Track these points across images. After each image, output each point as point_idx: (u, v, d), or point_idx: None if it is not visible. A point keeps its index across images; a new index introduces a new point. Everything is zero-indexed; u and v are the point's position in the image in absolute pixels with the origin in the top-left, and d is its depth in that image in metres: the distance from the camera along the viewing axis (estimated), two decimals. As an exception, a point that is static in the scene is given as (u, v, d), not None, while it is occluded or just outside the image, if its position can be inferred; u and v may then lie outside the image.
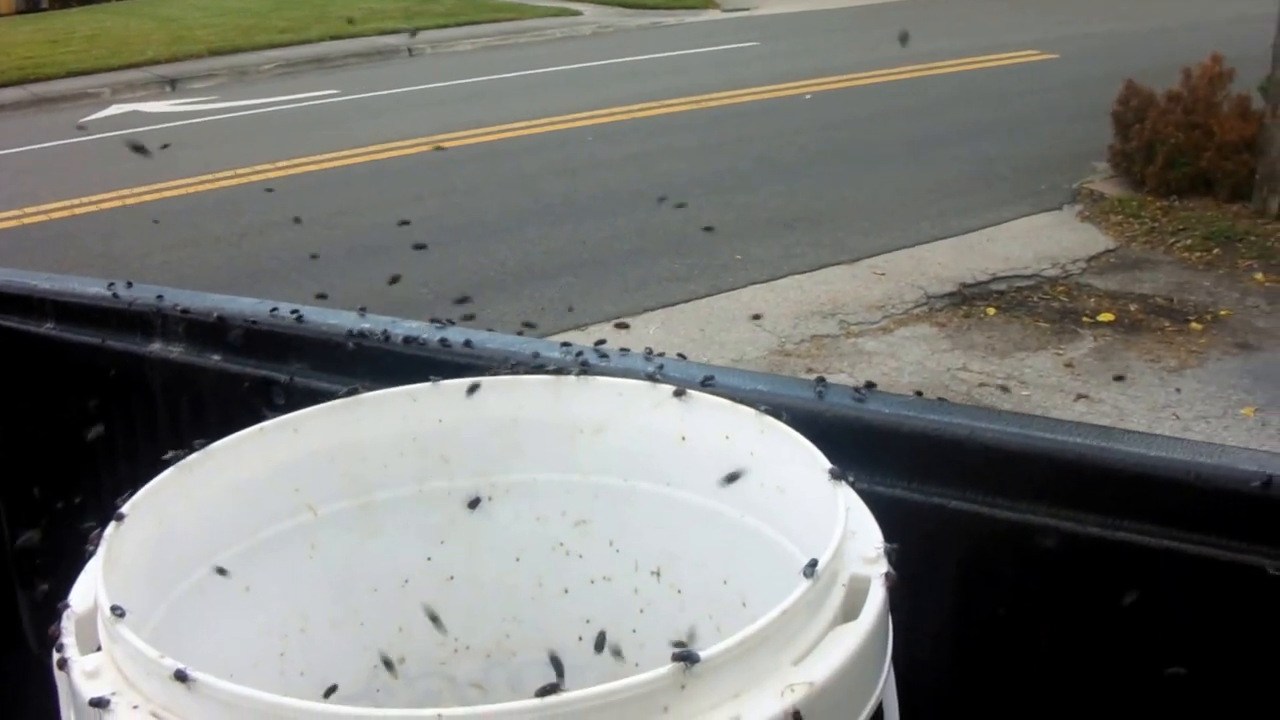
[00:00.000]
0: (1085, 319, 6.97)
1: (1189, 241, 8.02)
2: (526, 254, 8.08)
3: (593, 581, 1.24)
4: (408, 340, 1.50)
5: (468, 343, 1.47)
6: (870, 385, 1.40)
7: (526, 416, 1.23)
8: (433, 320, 1.55)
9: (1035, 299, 7.23)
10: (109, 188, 10.07)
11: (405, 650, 1.24)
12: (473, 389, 1.23)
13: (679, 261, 7.85)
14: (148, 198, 9.91)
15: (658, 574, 1.21)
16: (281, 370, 1.55)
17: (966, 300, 7.21)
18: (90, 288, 1.85)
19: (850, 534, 0.94)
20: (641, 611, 1.21)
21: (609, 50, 16.34)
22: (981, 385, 6.23)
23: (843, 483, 1.00)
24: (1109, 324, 6.90)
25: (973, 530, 1.26)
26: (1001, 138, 10.48)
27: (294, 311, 1.61)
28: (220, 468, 1.13)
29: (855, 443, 1.25)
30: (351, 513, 1.20)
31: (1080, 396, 6.08)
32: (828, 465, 1.01)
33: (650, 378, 1.24)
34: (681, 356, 1.49)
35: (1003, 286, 7.37)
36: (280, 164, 10.54)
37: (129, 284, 1.80)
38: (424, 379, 1.26)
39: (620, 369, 1.33)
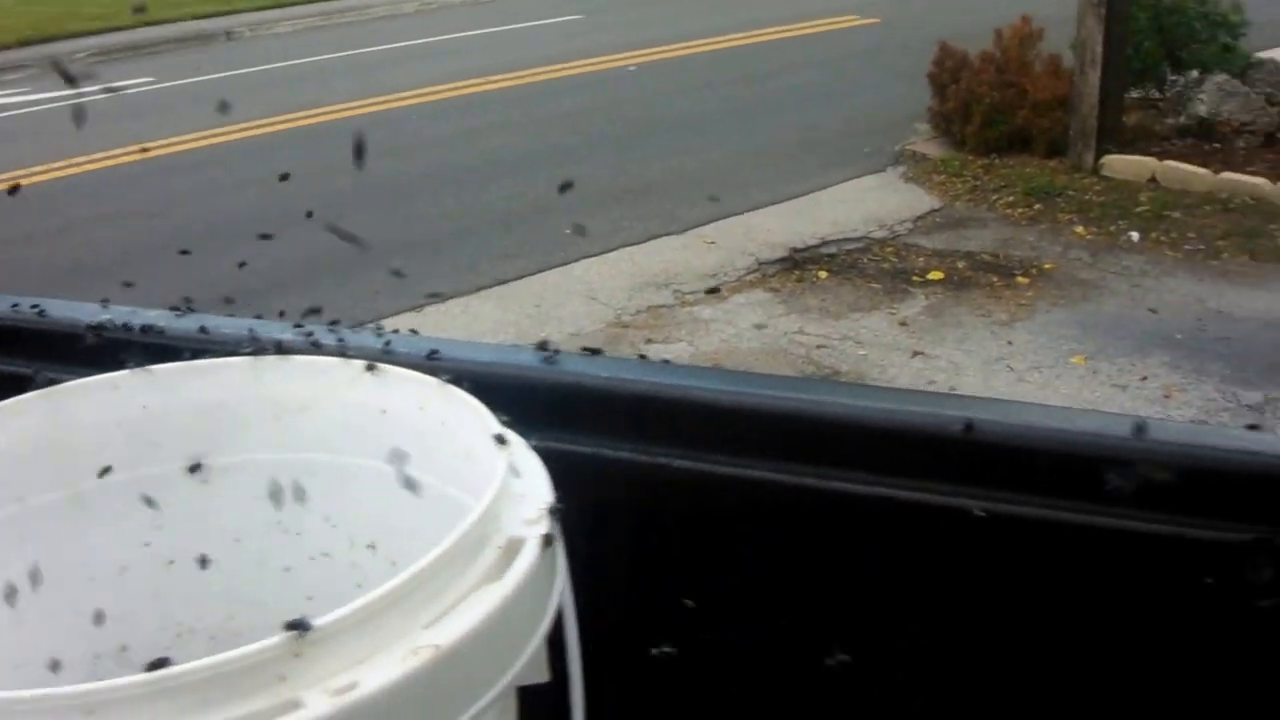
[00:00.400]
0: (915, 278, 7.06)
1: (1011, 198, 8.18)
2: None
3: (313, 558, 1.22)
4: (145, 329, 1.46)
5: (202, 329, 1.44)
6: (642, 357, 1.48)
7: (232, 398, 1.21)
8: (173, 308, 1.51)
9: (865, 261, 7.31)
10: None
11: (129, 639, 1.20)
12: (174, 374, 1.21)
13: (510, 238, 7.76)
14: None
15: (373, 547, 1.20)
16: (26, 366, 1.44)
17: (798, 265, 7.25)
18: None
19: (519, 497, 0.96)
20: (359, 586, 1.18)
21: (433, 27, 16.13)
22: (820, 347, 6.27)
23: (507, 445, 1.01)
24: (939, 282, 7.00)
25: (694, 486, 1.29)
26: (826, 103, 10.58)
27: (34, 306, 1.56)
28: None
29: (582, 407, 1.31)
30: (62, 502, 1.16)
31: (916, 353, 6.16)
32: (496, 429, 1.02)
33: (342, 354, 1.23)
34: (414, 332, 1.48)
35: (833, 250, 7.43)
36: (97, 156, 10.16)
37: None
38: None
39: (345, 348, 1.31)
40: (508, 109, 11.12)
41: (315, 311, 1.54)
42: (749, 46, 13.21)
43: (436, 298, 6.90)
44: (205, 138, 10.68)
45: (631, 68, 12.41)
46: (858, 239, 7.57)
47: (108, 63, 15.80)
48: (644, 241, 7.60)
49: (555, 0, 18.01)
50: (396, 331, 1.46)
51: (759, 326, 6.51)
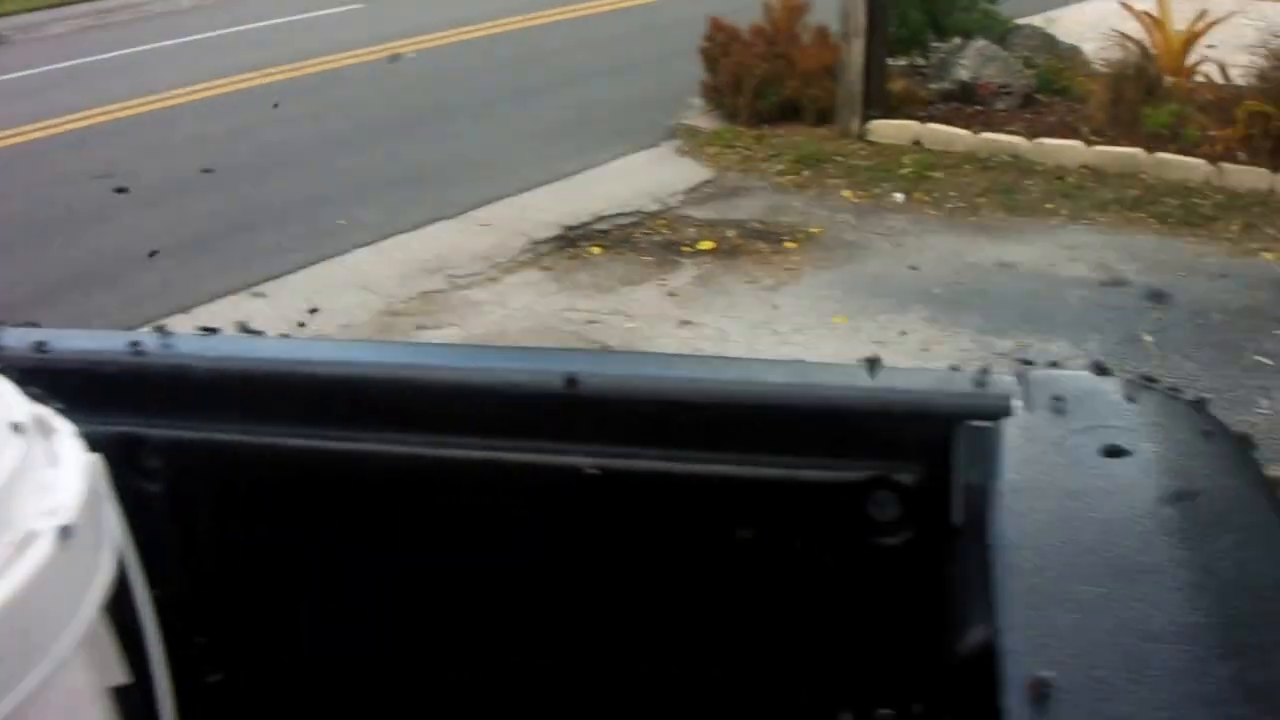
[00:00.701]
0: (686, 249, 7.16)
1: (781, 166, 8.35)
2: (122, 241, 7.69)
3: None
4: None
5: None
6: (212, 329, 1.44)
7: None
8: None
9: (638, 235, 7.39)
10: None
11: None
12: None
13: (282, 233, 7.65)
14: None
15: None
16: None
17: (571, 243, 7.29)
18: None
19: (44, 487, 0.86)
20: None
21: (208, 23, 15.72)
22: (590, 322, 6.32)
23: (27, 433, 0.89)
24: (709, 252, 7.11)
25: (304, 463, 1.28)
26: (602, 81, 10.65)
27: None
28: None
29: (188, 391, 1.29)
30: None
31: (684, 323, 6.25)
32: (16, 417, 0.90)
33: None
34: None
35: (606, 226, 7.49)
36: None
37: None
38: None
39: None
40: (284, 102, 10.93)
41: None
42: (529, 29, 13.23)
43: (212, 298, 6.75)
44: None
45: (411, 54, 12.31)
46: (631, 214, 7.64)
47: None
48: (418, 228, 7.56)
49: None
50: (35, 325, 1.43)
51: (531, 306, 6.54)
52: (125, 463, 1.22)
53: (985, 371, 1.17)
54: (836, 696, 1.23)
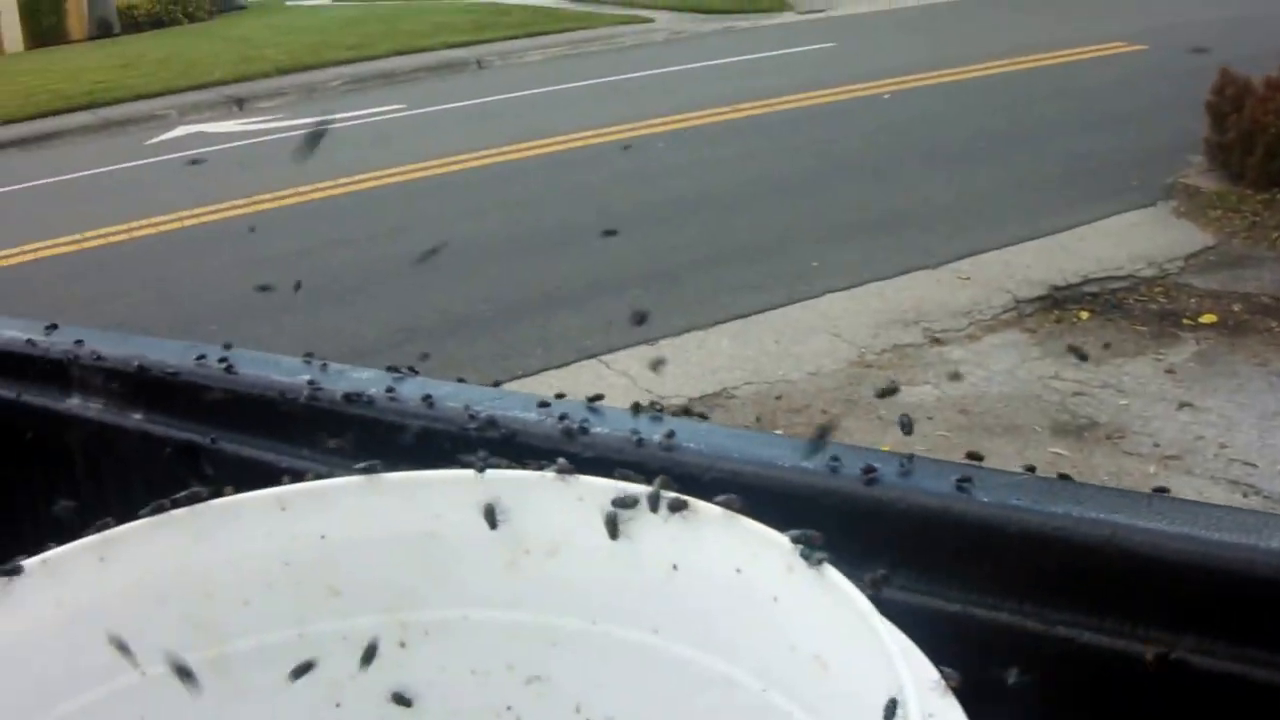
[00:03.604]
0: (1186, 321, 6.57)
1: (1295, 236, 7.59)
2: (592, 266, 7.80)
3: None
4: (350, 397, 1.19)
5: (427, 399, 1.16)
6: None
7: (449, 530, 0.88)
8: (389, 369, 1.25)
9: (1131, 301, 6.84)
10: (170, 209, 9.94)
11: None
12: (368, 488, 0.89)
13: (753, 270, 7.54)
14: (208, 218, 9.77)
15: None
16: (200, 432, 1.28)
17: (1058, 304, 6.83)
18: (6, 331, 1.58)
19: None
20: None
21: (682, 56, 16.06)
22: (1077, 394, 5.87)
23: (879, 637, 0.68)
24: (1211, 326, 6.50)
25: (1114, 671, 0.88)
26: (1089, 133, 10.05)
27: (223, 360, 1.33)
28: None
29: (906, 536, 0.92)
30: (198, 670, 0.85)
31: (1184, 405, 5.70)
32: (870, 619, 0.69)
33: (627, 466, 0.91)
34: (693, 413, 1.18)
35: (1096, 289, 6.98)
36: (342, 181, 10.35)
37: (51, 326, 1.53)
38: (373, 445, 0.98)
39: (609, 444, 1.01)
40: (755, 137, 10.93)
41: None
42: (1008, 74, 12.74)
43: (679, 332, 6.70)
44: (452, 163, 10.80)
45: (885, 95, 12.09)
46: (1123, 277, 7.10)
47: (361, 91, 16.26)
48: (894, 276, 7.28)
49: (808, 28, 17.81)
50: (652, 411, 1.12)
51: (1012, 371, 6.13)
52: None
53: None
54: None
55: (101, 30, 35.07)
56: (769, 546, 0.77)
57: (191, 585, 0.87)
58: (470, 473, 0.88)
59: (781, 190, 9.16)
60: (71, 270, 8.86)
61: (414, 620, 0.88)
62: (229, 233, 9.36)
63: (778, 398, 5.93)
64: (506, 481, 0.88)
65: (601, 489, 0.85)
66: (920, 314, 6.78)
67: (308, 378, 1.26)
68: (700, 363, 6.34)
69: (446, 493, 0.88)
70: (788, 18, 19.50)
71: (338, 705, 0.89)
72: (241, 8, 39.13)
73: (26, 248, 9.38)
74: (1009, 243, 7.65)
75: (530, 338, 6.86)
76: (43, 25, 37.70)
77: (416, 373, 1.25)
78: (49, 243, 9.43)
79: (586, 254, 7.97)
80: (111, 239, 9.49)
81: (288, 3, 42.84)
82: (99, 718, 0.83)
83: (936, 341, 6.48)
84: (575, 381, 6.02)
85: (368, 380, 1.22)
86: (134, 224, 9.74)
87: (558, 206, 9.33)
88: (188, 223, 9.70)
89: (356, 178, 10.45)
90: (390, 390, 1.19)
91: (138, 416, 1.38)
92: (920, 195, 8.78)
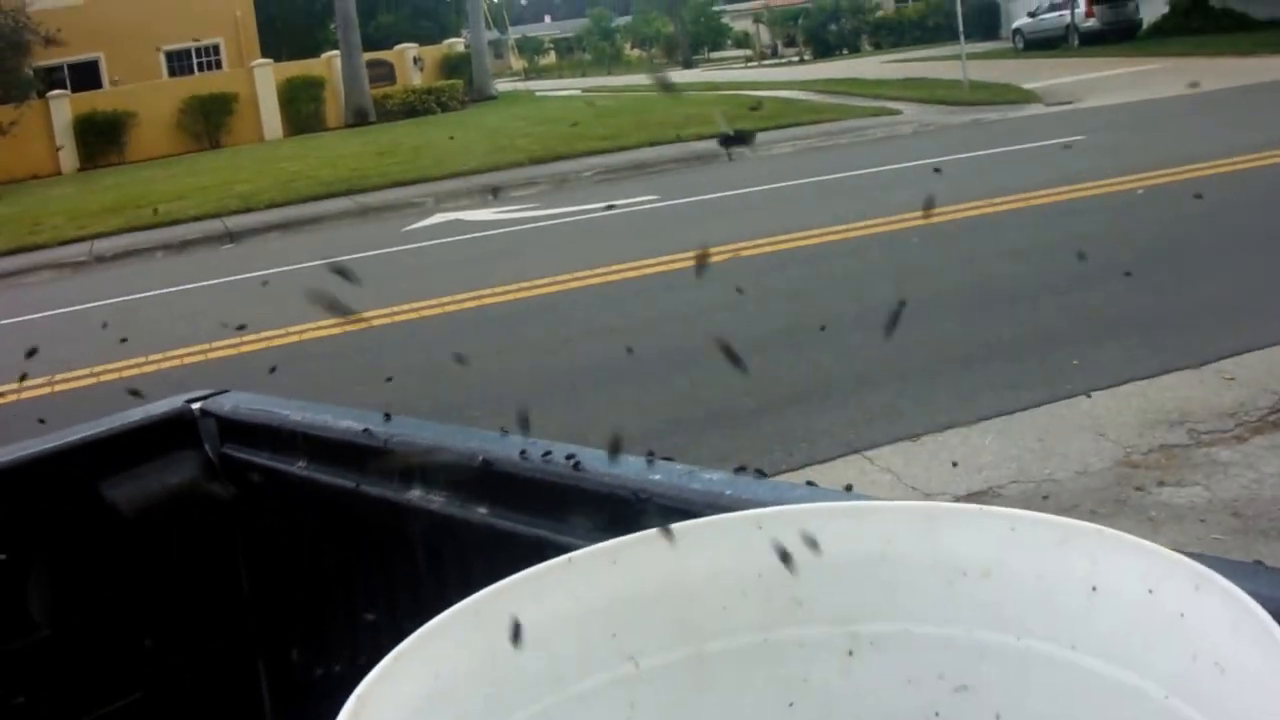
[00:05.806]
0: None
1: None
2: (850, 360, 8.00)
3: None
4: (707, 501, 1.25)
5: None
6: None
7: (897, 552, 1.00)
8: (737, 470, 1.32)
9: None
10: (431, 295, 10.51)
11: None
12: (830, 514, 1.02)
13: (1013, 367, 7.64)
14: (469, 304, 10.31)
15: None
16: (559, 530, 1.33)
17: (1329, 406, 6.76)
18: (343, 421, 1.69)
19: None
20: None
21: (931, 149, 16.22)
22: (1354, 502, 5.80)
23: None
24: None
25: None
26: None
27: (570, 457, 1.38)
28: (514, 607, 0.95)
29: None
30: (681, 666, 0.99)
31: None
32: (1269, 628, 0.78)
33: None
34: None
35: (1367, 391, 6.88)
36: (599, 270, 10.80)
37: (387, 417, 1.64)
38: None
39: None
40: (1009, 233, 11.01)
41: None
42: (1273, 167, 12.52)
43: (941, 429, 6.85)
44: (714, 253, 11.10)
45: (1139, 191, 12.03)
46: (1401, 380, 6.98)
47: (613, 181, 16.77)
48: (1156, 375, 7.30)
49: (1056, 120, 17.76)
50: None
51: (1285, 473, 6.10)
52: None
53: None
54: None
55: (357, 119, 36.81)
56: (1178, 567, 0.87)
57: (679, 591, 1.00)
58: (917, 503, 1.02)
59: (1039, 287, 9.23)
60: (338, 349, 9.45)
61: (862, 632, 1.00)
62: (486, 318, 9.88)
63: (1045, 498, 6.02)
64: (947, 512, 1.01)
65: (1030, 521, 0.97)
66: (1184, 415, 6.77)
67: (658, 477, 1.30)
68: (964, 459, 6.46)
69: (896, 520, 1.01)
70: (1035, 109, 19.50)
71: (790, 705, 1.01)
72: (493, 98, 40.59)
73: (291, 329, 10.01)
74: (1276, 342, 7.57)
75: (779, 432, 7.06)
76: (301, 114, 39.87)
77: (764, 475, 1.32)
78: (313, 325, 9.98)
79: (845, 348, 8.18)
80: (375, 322, 10.05)
81: (537, 94, 44.27)
82: (602, 698, 0.97)
83: (1203, 443, 6.47)
84: (840, 476, 6.22)
85: (720, 482, 1.28)
86: (395, 309, 10.31)
87: (816, 298, 9.58)
88: (449, 308, 10.26)
89: (613, 268, 10.89)
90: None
91: (483, 511, 1.44)
92: (1180, 292, 8.75)
